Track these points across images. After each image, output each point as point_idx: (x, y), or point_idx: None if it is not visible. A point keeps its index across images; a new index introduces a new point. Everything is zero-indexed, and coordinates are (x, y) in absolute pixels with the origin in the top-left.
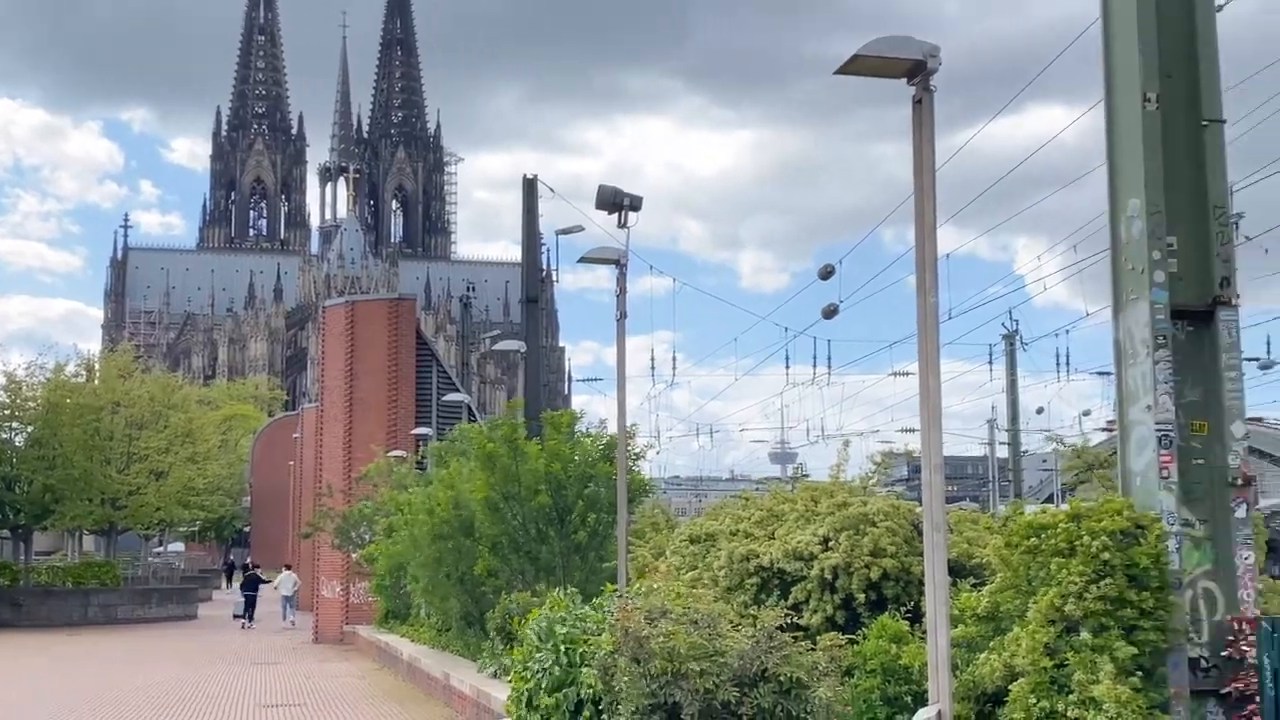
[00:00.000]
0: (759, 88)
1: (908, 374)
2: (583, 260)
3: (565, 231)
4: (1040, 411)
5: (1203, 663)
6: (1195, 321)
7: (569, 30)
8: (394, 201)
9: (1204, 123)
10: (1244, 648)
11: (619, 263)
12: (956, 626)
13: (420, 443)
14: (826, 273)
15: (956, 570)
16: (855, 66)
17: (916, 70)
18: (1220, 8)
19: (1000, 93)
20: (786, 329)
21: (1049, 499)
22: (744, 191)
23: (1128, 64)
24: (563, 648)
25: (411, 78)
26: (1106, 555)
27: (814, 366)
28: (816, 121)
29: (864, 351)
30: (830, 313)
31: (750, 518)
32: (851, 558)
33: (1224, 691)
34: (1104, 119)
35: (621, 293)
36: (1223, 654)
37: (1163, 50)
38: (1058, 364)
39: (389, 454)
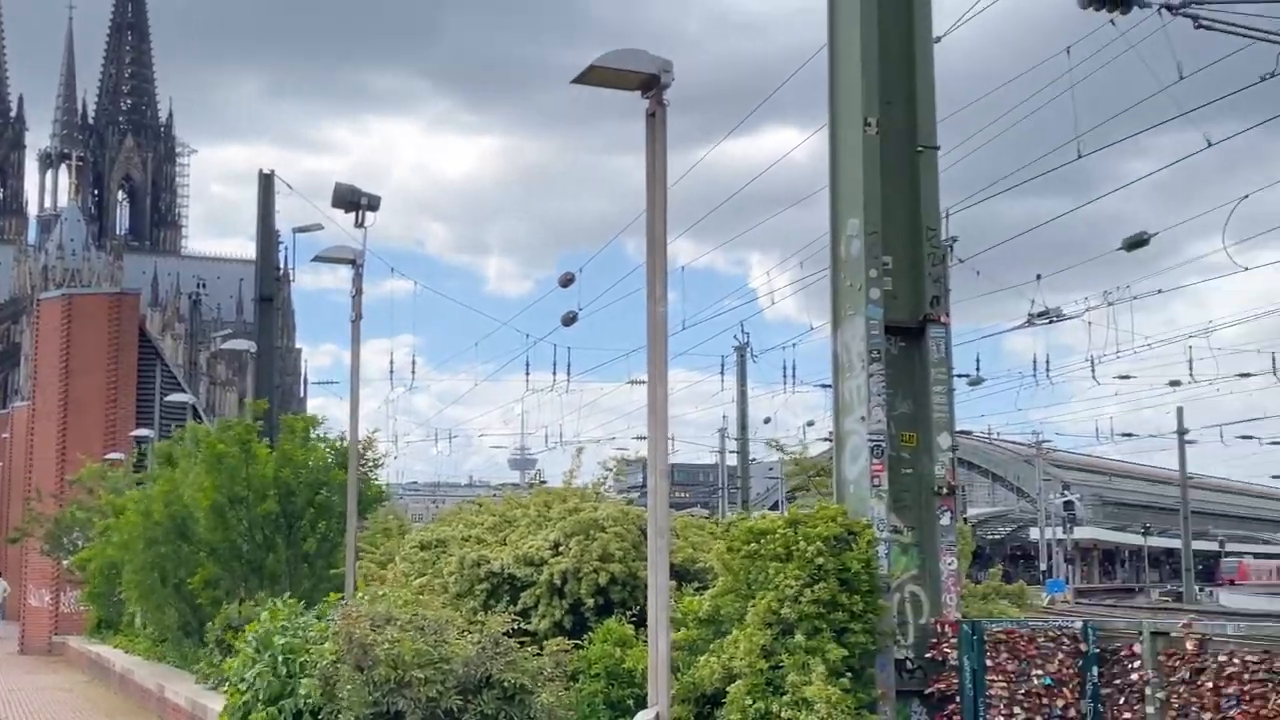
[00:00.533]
0: (507, 94)
1: (643, 382)
2: (317, 259)
3: (303, 229)
4: (768, 421)
5: (908, 664)
6: (907, 337)
7: (315, 24)
8: (121, 192)
9: (919, 149)
10: (946, 649)
11: (355, 263)
12: (679, 630)
13: (140, 445)
14: (566, 280)
15: (681, 575)
16: (591, 77)
17: (650, 84)
18: (938, 40)
19: (742, 112)
20: (528, 335)
21: (774, 506)
22: (490, 196)
23: (851, 90)
24: (280, 658)
25: (143, 64)
26: (821, 560)
27: (554, 373)
28: (562, 130)
29: (603, 359)
30: (570, 320)
31: (483, 523)
32: (581, 563)
33: (927, 692)
34: (828, 141)
35: (357, 294)
36: (927, 655)
37: (884, 79)
38: (785, 376)
39: (106, 456)
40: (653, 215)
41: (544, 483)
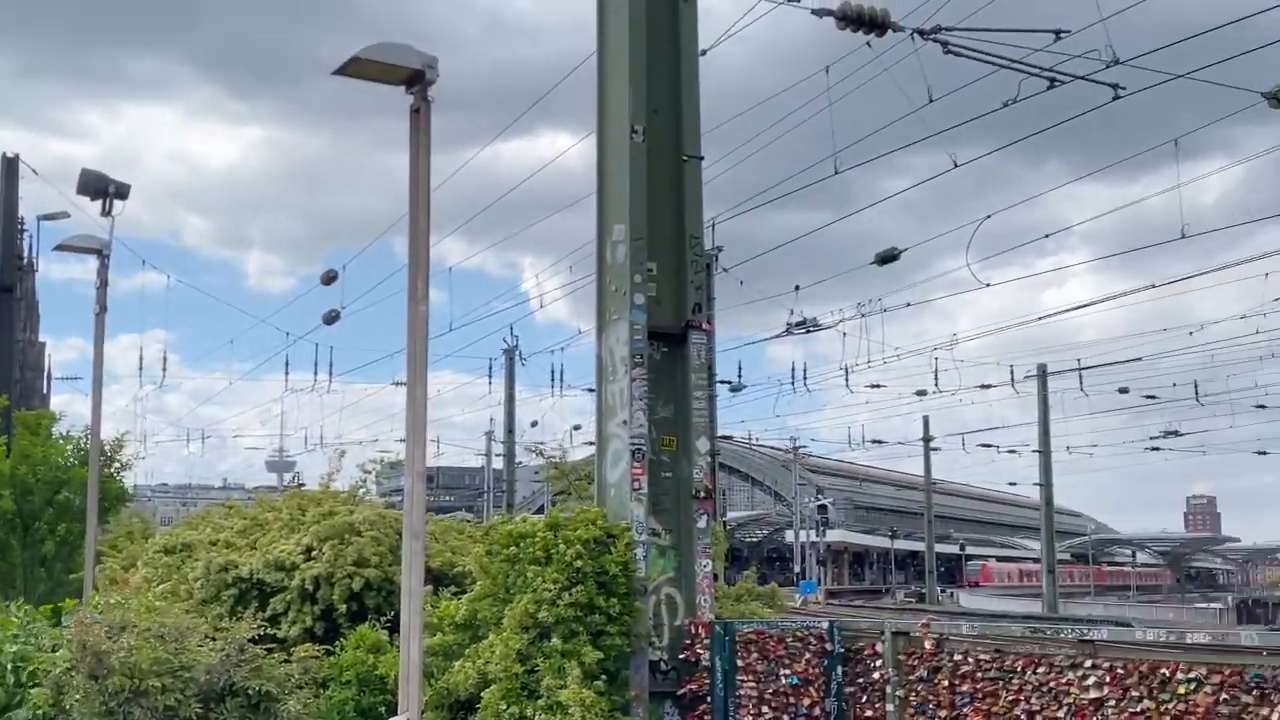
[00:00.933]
0: (274, 84)
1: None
2: (59, 248)
3: (49, 217)
4: (535, 424)
5: (662, 665)
6: (670, 343)
7: (68, 3)
8: None
9: (685, 158)
10: (699, 650)
11: (101, 253)
12: (435, 635)
13: None
14: (329, 278)
15: (439, 579)
16: (355, 69)
17: (415, 79)
18: (704, 53)
19: (520, 116)
20: (288, 333)
21: (539, 510)
22: (254, 189)
23: (619, 98)
24: (10, 666)
25: None
26: (580, 563)
27: (315, 373)
28: (334, 124)
29: (367, 359)
30: (331, 318)
31: (232, 527)
32: (334, 567)
33: (680, 693)
34: (596, 148)
35: (102, 285)
36: (681, 657)
37: (651, 88)
38: (553, 379)
39: None
40: (415, 212)
41: (302, 485)
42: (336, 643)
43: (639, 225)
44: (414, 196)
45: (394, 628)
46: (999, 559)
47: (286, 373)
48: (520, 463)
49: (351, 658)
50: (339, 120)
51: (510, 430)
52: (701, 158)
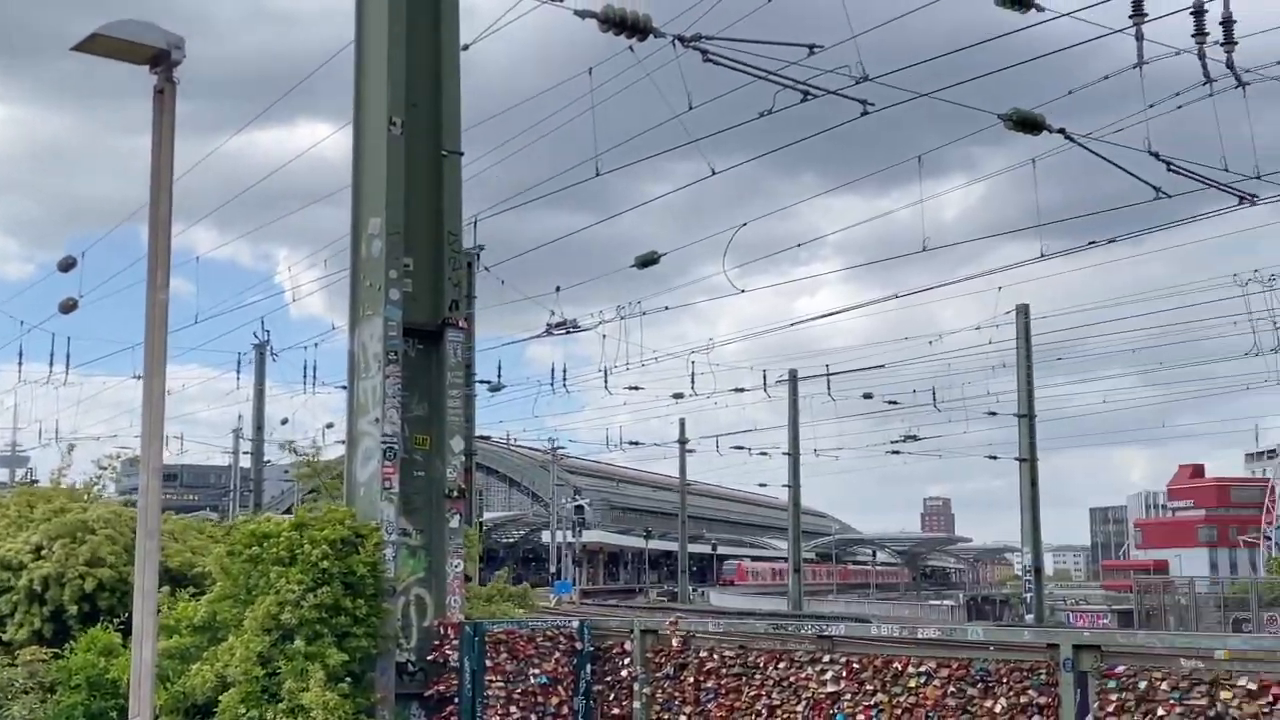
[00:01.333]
0: (13, 61)
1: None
2: None
3: None
4: (285, 422)
5: (410, 666)
6: (426, 340)
7: None
8: None
9: (444, 153)
10: (448, 651)
11: None
12: (172, 637)
13: None
14: (67, 265)
15: (178, 579)
16: (95, 46)
17: (160, 59)
18: (466, 47)
19: (279, 104)
20: (23, 322)
21: (289, 510)
22: None
23: (377, 89)
24: None
25: None
26: (326, 564)
27: (51, 364)
28: (78, 105)
29: (108, 350)
30: (69, 307)
31: None
32: (66, 567)
33: (427, 694)
34: (352, 139)
35: None
36: (429, 658)
37: (411, 80)
38: (306, 376)
39: None
40: (157, 196)
41: (35, 482)
42: (66, 645)
43: (395, 220)
44: (156, 181)
45: (129, 630)
46: (754, 558)
47: (20, 363)
48: (269, 461)
49: (82, 661)
50: (85, 100)
51: (259, 427)
52: (461, 153)
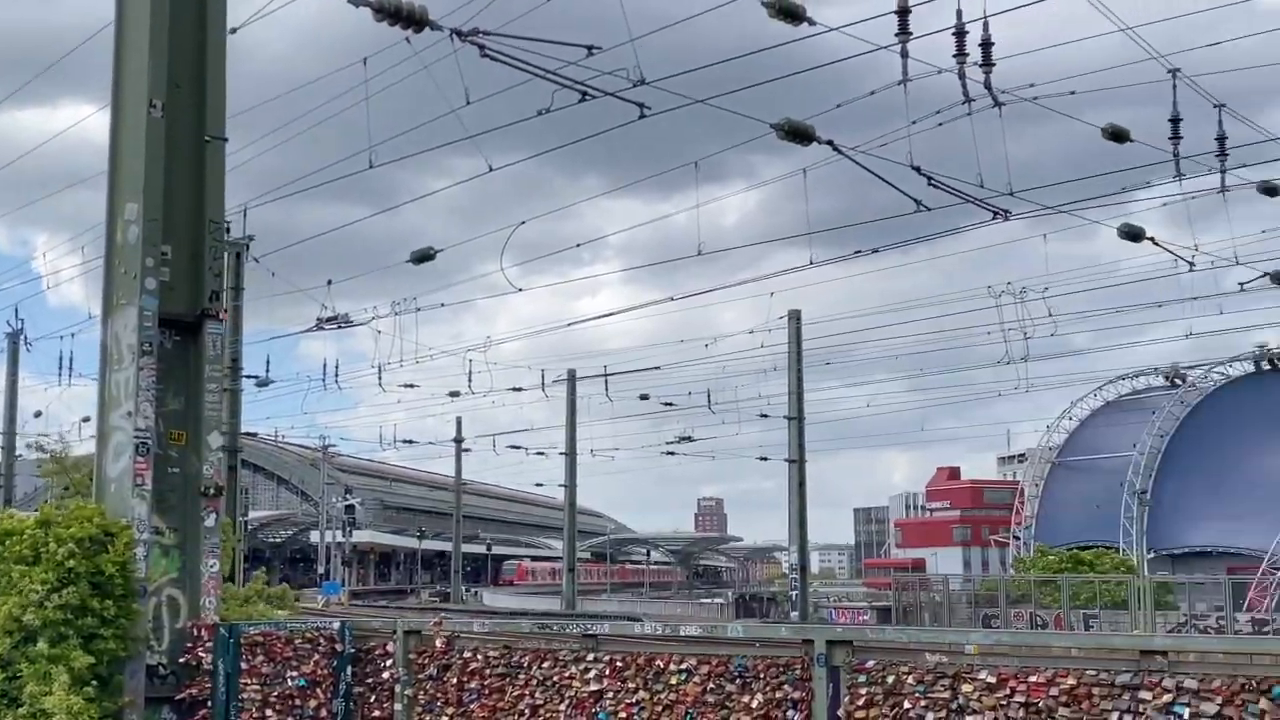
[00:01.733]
0: None
1: None
2: None
3: None
4: (39, 415)
5: (161, 669)
6: (184, 332)
7: None
8: None
9: (208, 139)
10: (201, 653)
11: None
12: None
13: None
14: None
15: None
16: None
17: None
18: (234, 31)
19: (39, 83)
20: None
21: None
22: None
23: (138, 69)
24: None
25: None
26: (72, 563)
27: None
28: None
29: None
30: None
31: None
32: None
33: (179, 698)
34: (110, 120)
35: None
36: (181, 660)
37: (174, 62)
38: (62, 367)
39: None
40: None
41: None
42: None
43: (154, 205)
44: None
45: None
46: (533, 558)
47: None
48: (20, 455)
49: None
50: None
51: (11, 420)
52: (225, 139)
